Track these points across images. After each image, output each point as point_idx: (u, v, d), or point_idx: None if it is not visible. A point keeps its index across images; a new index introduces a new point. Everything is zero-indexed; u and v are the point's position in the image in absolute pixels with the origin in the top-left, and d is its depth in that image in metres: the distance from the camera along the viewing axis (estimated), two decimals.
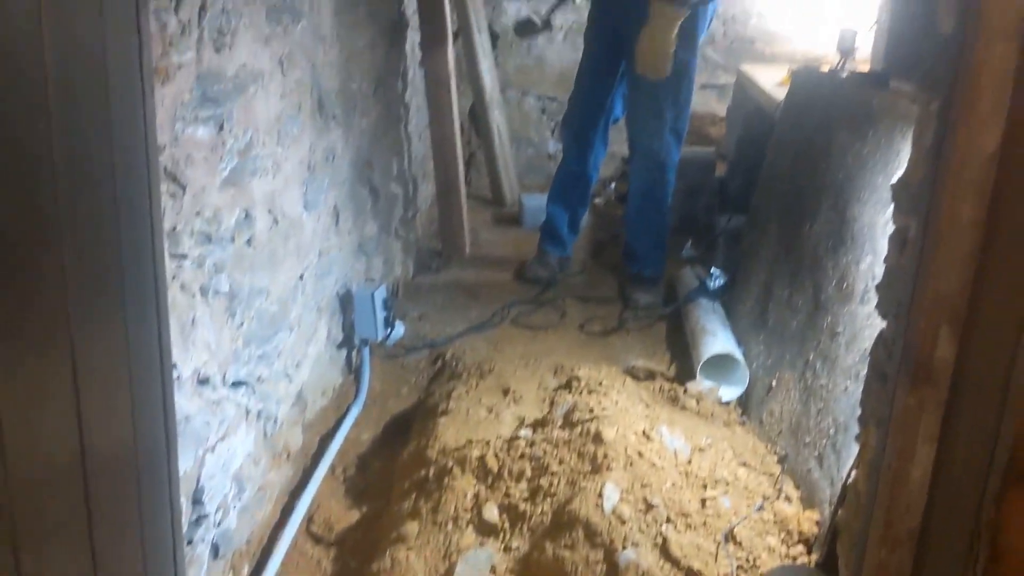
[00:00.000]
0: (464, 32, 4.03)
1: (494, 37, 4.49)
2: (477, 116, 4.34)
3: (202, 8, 1.55)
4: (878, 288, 1.62)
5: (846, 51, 3.42)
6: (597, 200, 4.42)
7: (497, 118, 4.27)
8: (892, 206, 1.59)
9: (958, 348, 1.07)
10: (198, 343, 1.61)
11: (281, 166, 2.02)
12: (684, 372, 2.65)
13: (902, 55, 2.68)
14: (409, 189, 3.46)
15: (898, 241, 1.53)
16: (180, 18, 1.48)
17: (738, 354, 2.51)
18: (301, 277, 2.20)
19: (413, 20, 3.47)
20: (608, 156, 4.55)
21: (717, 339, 2.57)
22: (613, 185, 4.41)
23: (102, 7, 0.86)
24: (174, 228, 1.51)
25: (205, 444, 1.65)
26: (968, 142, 0.98)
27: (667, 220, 3.27)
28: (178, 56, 1.47)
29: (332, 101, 2.38)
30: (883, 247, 1.89)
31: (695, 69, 3.06)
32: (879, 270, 1.85)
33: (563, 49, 4.58)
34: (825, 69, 3.27)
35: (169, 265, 1.47)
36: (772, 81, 3.52)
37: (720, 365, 2.51)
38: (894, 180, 1.63)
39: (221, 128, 1.66)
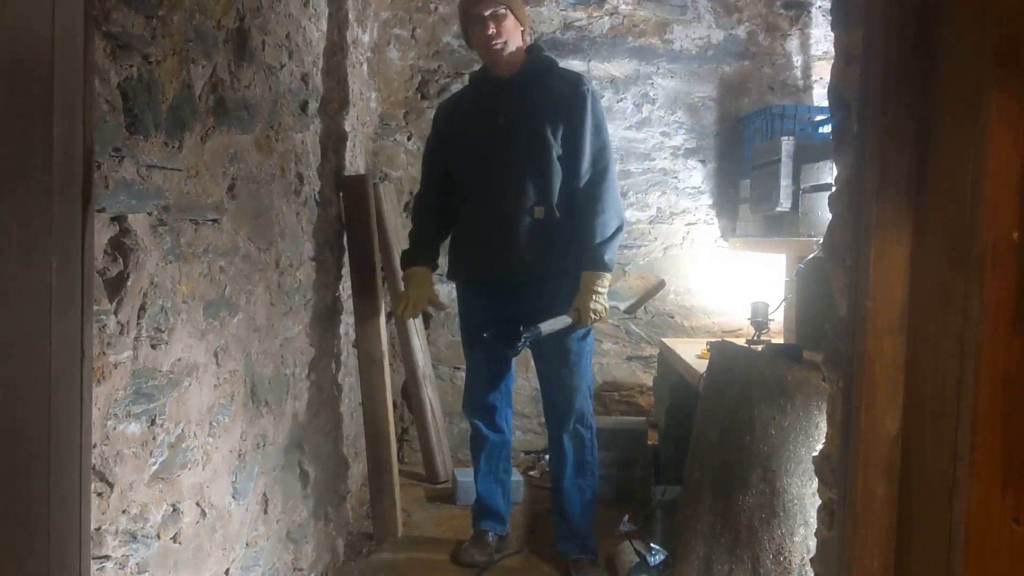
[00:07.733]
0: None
1: (426, 317, 4.65)
2: (410, 393, 4.39)
3: (142, 308, 1.60)
4: (812, 562, 1.63)
5: (759, 324, 3.63)
6: (532, 473, 4.41)
7: (429, 394, 4.33)
8: (816, 479, 1.63)
9: None
10: None
11: (211, 456, 1.99)
12: None
13: (809, 331, 2.86)
14: (341, 470, 3.42)
15: (826, 514, 1.56)
16: (119, 319, 1.52)
17: None
18: (227, 572, 2.11)
19: (347, 304, 3.60)
20: (539, 427, 4.60)
21: None
22: (547, 457, 4.41)
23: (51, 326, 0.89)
24: (98, 528, 1.46)
25: None
26: (871, 424, 1.04)
27: (596, 488, 3.28)
28: (115, 355, 1.49)
29: (265, 388, 2.40)
30: (813, 519, 1.92)
31: (591, 342, 3.22)
32: (812, 543, 1.86)
33: None
34: (742, 341, 3.45)
35: (91, 568, 1.40)
36: (692, 354, 3.68)
37: None
38: (815, 452, 1.69)
39: (153, 422, 1.66)
